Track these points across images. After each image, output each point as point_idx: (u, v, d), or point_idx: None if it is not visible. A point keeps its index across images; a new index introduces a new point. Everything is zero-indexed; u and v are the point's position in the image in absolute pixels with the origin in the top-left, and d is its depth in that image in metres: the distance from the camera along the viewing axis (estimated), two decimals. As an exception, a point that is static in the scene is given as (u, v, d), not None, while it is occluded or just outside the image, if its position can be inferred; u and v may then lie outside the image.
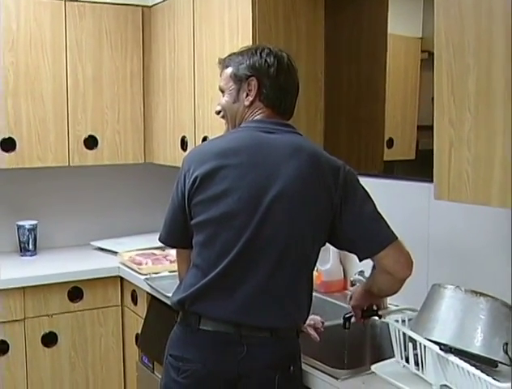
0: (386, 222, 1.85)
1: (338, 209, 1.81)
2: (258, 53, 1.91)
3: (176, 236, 1.97)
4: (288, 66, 1.94)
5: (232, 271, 1.78)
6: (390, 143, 2.64)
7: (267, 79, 1.90)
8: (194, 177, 1.83)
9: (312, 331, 2.09)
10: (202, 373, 1.80)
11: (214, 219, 1.80)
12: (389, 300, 2.39)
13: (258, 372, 1.78)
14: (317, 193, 1.80)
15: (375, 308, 2.10)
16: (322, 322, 2.13)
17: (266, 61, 1.90)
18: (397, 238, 1.83)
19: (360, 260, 1.88)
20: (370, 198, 1.87)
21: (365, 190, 1.88)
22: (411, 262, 1.85)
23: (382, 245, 1.81)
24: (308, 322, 2.03)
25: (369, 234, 1.83)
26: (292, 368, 1.81)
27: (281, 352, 1.81)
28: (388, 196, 2.51)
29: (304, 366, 1.89)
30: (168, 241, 2.01)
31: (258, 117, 1.92)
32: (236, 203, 1.78)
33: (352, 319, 2.08)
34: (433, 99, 1.73)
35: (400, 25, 2.64)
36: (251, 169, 1.79)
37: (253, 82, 1.90)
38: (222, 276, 1.79)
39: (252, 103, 1.91)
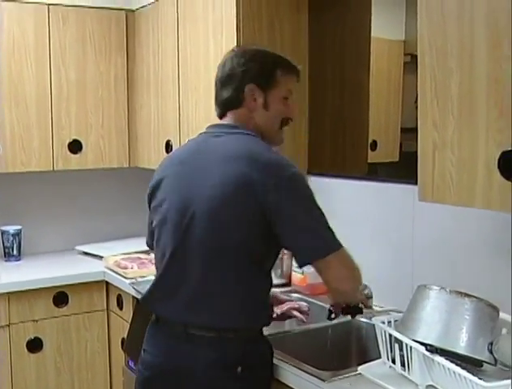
0: (326, 232, 1.79)
1: (272, 215, 1.76)
2: None
3: (152, 238, 2.06)
4: (226, 61, 1.97)
5: (170, 273, 1.90)
6: (374, 145, 2.65)
7: None
8: (150, 185, 2.04)
9: (297, 313, 2.16)
10: (156, 365, 1.91)
11: (157, 224, 1.96)
12: (374, 301, 2.41)
13: (202, 369, 1.82)
14: (243, 200, 1.77)
15: (360, 305, 2.10)
16: (309, 308, 2.19)
17: None
18: (336, 250, 1.78)
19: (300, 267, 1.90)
20: (312, 205, 1.80)
21: (309, 197, 1.81)
22: (352, 275, 1.84)
23: (312, 258, 1.79)
24: (291, 305, 2.16)
25: (301, 245, 1.79)
26: (239, 369, 1.81)
27: (227, 352, 1.82)
28: (372, 198, 2.53)
29: (289, 368, 1.89)
30: (148, 243, 2.13)
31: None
32: (168, 210, 1.91)
33: (333, 315, 2.09)
34: (416, 101, 1.75)
35: (383, 28, 2.66)
36: (183, 179, 1.90)
37: None
38: (164, 277, 1.92)
39: None
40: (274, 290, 2.19)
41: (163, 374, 1.89)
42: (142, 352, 1.99)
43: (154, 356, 1.93)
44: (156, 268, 2.00)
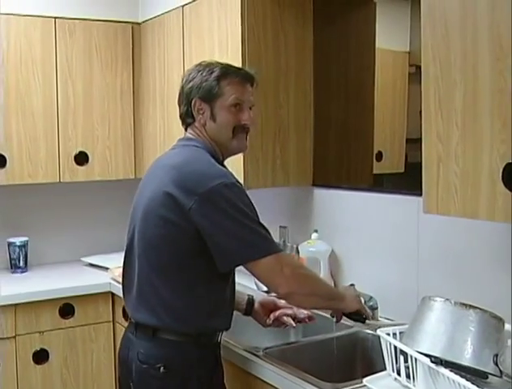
0: (256, 238, 1.85)
1: (198, 223, 1.85)
2: None
3: None
4: (182, 79, 2.10)
5: (125, 271, 2.10)
6: (380, 156, 2.65)
7: None
8: None
9: (287, 319, 2.21)
10: (119, 354, 2.13)
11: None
12: (380, 313, 2.40)
13: (135, 361, 1.97)
14: (171, 208, 1.88)
15: (364, 316, 2.11)
16: (310, 318, 2.24)
17: None
18: (263, 256, 1.84)
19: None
20: (241, 212, 1.85)
21: (240, 205, 1.85)
22: (285, 279, 1.87)
23: (232, 263, 1.89)
24: (284, 311, 2.21)
25: (222, 250, 1.86)
26: (161, 368, 1.91)
27: (154, 350, 1.94)
28: (378, 209, 2.53)
29: (294, 379, 1.89)
30: None
31: None
32: (129, 218, 2.11)
33: (335, 319, 2.12)
34: (420, 112, 1.76)
35: (388, 39, 2.66)
36: (141, 187, 2.09)
37: None
38: (123, 275, 2.12)
39: None
40: (272, 297, 2.27)
41: (120, 362, 2.09)
42: None
43: (120, 348, 2.12)
44: None
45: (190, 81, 2.04)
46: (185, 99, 2.05)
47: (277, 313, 2.22)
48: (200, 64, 2.08)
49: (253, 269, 1.87)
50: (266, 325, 2.25)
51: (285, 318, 2.23)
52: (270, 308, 2.26)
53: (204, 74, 2.02)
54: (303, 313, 2.24)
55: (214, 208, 1.84)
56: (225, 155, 2.08)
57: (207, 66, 2.05)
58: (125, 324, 3.09)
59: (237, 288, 2.11)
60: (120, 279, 3.09)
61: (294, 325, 2.23)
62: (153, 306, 1.94)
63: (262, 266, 1.85)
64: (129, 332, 2.06)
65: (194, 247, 1.89)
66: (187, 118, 2.07)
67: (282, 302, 2.25)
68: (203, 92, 2.01)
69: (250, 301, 2.26)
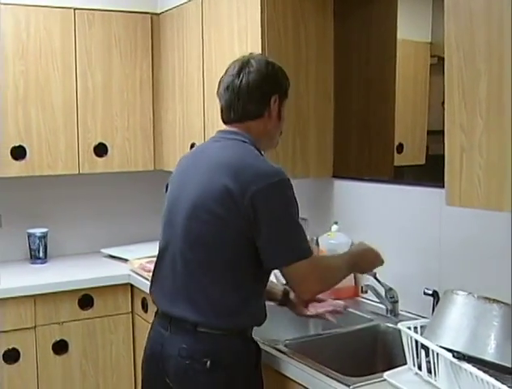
0: (295, 240, 1.88)
1: (252, 220, 1.84)
2: None
3: None
4: (243, 72, 2.00)
5: (160, 266, 2.05)
6: (400, 148, 2.63)
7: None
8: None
9: (329, 316, 2.18)
10: (146, 350, 2.07)
11: (162, 219, 2.10)
12: (400, 306, 2.38)
13: (174, 357, 1.91)
14: (225, 204, 1.85)
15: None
16: (345, 307, 2.24)
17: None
18: (304, 257, 1.87)
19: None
20: (290, 213, 1.88)
21: (290, 204, 1.88)
22: (319, 279, 1.94)
23: (278, 265, 1.92)
24: (326, 308, 2.18)
25: (269, 252, 1.88)
26: (208, 363, 1.87)
27: (199, 345, 1.89)
28: (399, 202, 2.51)
29: (313, 373, 1.88)
30: None
31: None
32: (166, 208, 2.08)
33: None
34: (443, 103, 1.73)
35: (409, 30, 2.63)
36: (181, 180, 2.04)
37: None
38: (156, 269, 2.08)
39: None
40: None
41: (150, 359, 2.03)
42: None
43: (148, 344, 2.07)
44: None
45: (268, 76, 2.00)
46: (260, 93, 1.99)
47: (321, 310, 2.19)
48: (267, 60, 2.05)
49: (286, 270, 1.90)
50: (302, 315, 2.23)
51: (327, 315, 2.18)
52: (287, 301, 2.24)
53: (281, 72, 2.05)
54: (341, 304, 2.24)
55: (268, 206, 1.83)
56: (261, 150, 2.05)
57: (278, 64, 2.06)
58: (145, 316, 3.12)
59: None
60: (140, 272, 3.14)
61: (335, 321, 2.19)
62: (196, 302, 1.90)
63: (295, 269, 1.88)
64: (160, 327, 2.01)
65: (244, 244, 1.87)
66: (252, 114, 2.00)
67: (320, 296, 2.24)
68: (284, 90, 2.05)
69: (286, 291, 2.23)
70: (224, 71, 2.08)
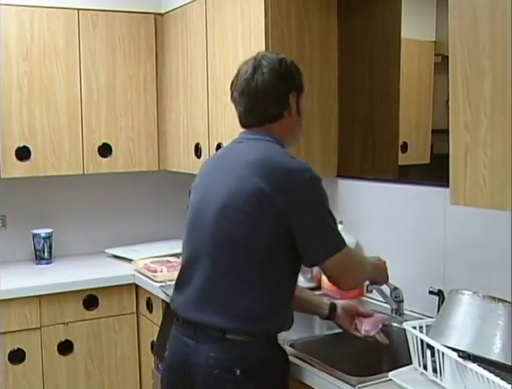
0: (331, 234, 1.88)
1: (287, 218, 1.82)
2: None
3: None
4: (257, 73, 1.95)
5: (184, 271, 2.01)
6: (405, 147, 2.62)
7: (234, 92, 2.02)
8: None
9: (380, 336, 2.13)
10: (168, 360, 2.01)
11: (186, 223, 2.05)
12: (406, 306, 2.37)
13: (202, 367, 1.85)
14: (257, 211, 1.82)
15: None
16: (390, 321, 2.26)
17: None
18: (340, 250, 1.87)
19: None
20: (321, 208, 1.87)
21: (319, 201, 1.87)
22: (355, 271, 2.01)
23: (318, 260, 1.89)
24: (375, 326, 2.13)
25: (308, 248, 1.87)
26: (237, 371, 1.82)
27: (227, 353, 1.84)
28: (403, 201, 2.50)
29: (318, 372, 1.88)
30: None
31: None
32: (190, 212, 2.02)
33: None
34: (447, 102, 1.72)
35: (413, 29, 2.63)
36: (206, 183, 2.00)
37: None
38: (179, 275, 2.04)
39: None
40: (353, 303, 2.26)
41: (174, 369, 1.97)
42: (166, 352, 2.06)
43: (171, 353, 2.01)
44: None
45: (283, 74, 1.97)
46: (278, 94, 1.95)
47: (371, 333, 2.12)
48: (278, 58, 2.00)
49: (328, 263, 1.87)
50: (351, 333, 2.16)
51: (377, 336, 2.13)
52: (352, 314, 2.19)
53: (294, 67, 2.02)
54: (387, 319, 2.24)
55: (303, 202, 1.83)
56: (286, 146, 2.02)
57: (291, 60, 2.04)
58: (149, 316, 3.13)
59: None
60: (144, 272, 3.14)
61: (387, 342, 2.15)
62: (225, 306, 1.85)
63: (334, 262, 1.87)
64: (183, 336, 1.94)
65: (276, 244, 1.85)
66: (270, 116, 1.97)
67: (362, 308, 2.24)
68: (300, 85, 2.03)
69: (333, 306, 2.19)
70: (235, 74, 2.02)
